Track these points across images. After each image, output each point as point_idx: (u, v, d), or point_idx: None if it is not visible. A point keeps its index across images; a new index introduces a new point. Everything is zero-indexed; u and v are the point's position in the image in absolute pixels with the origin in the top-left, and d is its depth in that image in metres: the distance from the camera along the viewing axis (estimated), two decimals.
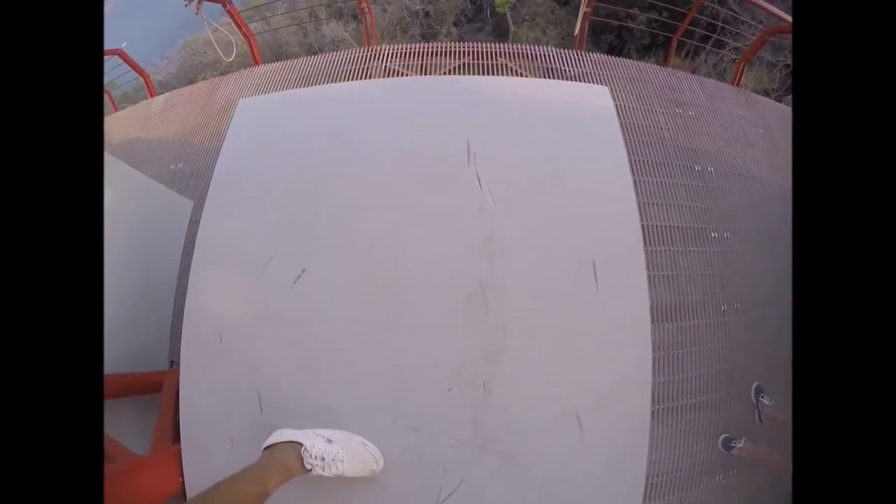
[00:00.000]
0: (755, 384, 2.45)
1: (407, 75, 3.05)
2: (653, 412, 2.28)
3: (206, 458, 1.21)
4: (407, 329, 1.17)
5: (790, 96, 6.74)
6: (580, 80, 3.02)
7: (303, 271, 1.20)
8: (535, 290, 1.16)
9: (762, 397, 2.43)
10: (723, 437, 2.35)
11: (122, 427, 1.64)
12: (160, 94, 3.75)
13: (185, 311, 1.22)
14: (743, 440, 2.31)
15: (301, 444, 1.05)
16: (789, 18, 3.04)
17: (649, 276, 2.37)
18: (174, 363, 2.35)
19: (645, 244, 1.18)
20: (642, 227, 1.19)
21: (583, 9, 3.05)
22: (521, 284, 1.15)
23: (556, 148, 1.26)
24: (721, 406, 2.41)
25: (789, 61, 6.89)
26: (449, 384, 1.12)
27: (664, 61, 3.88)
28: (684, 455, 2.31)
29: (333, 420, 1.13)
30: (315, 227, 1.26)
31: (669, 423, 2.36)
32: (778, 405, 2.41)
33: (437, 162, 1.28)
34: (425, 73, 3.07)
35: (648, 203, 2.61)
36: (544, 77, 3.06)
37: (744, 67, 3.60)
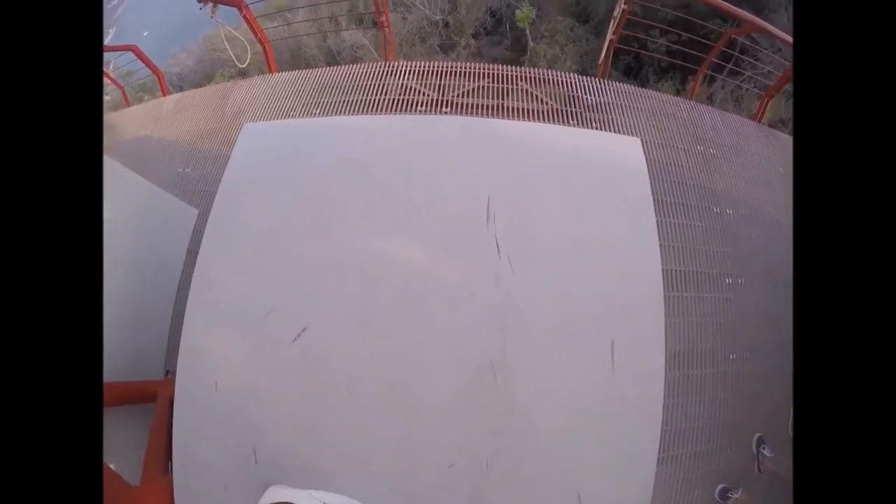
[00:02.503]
0: (757, 435, 2.40)
1: (424, 93, 3.00)
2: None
3: (198, 501, 1.16)
4: (412, 399, 1.11)
5: None
6: (601, 109, 2.97)
7: (303, 330, 1.14)
8: (548, 369, 1.10)
9: (763, 448, 2.37)
10: (720, 486, 2.31)
11: (113, 435, 1.58)
12: (177, 87, 3.73)
13: (180, 354, 1.17)
14: (740, 491, 2.26)
15: None
16: None
17: None
18: (169, 373, 2.31)
19: None
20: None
21: (609, 36, 2.98)
22: (534, 363, 1.09)
23: (582, 211, 1.19)
24: (721, 456, 2.35)
25: None
26: (451, 459, 1.06)
27: (689, 95, 3.80)
28: None
29: (329, 482, 1.07)
30: (318, 282, 1.19)
31: (668, 473, 2.31)
32: (778, 459, 2.37)
33: (455, 219, 1.20)
34: (442, 93, 3.02)
35: (665, 246, 2.48)
36: (564, 103, 3.00)
37: (767, 103, 3.52)
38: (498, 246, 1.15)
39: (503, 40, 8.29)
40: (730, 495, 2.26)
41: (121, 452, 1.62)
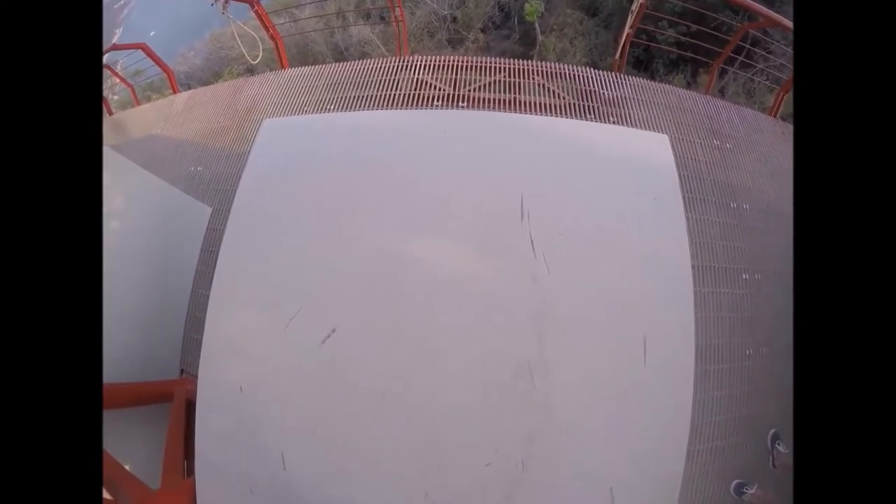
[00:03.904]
0: (772, 430, 2.40)
1: (438, 88, 2.98)
2: None
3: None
4: (446, 403, 1.10)
5: None
6: (617, 104, 2.94)
7: (333, 331, 1.11)
8: (584, 368, 1.09)
9: (778, 444, 2.38)
10: (735, 482, 2.31)
11: (129, 436, 1.57)
12: (185, 85, 3.71)
13: (202, 356, 1.15)
14: (755, 486, 2.28)
15: None
16: None
17: None
18: (184, 371, 2.31)
19: None
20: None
21: (626, 30, 2.94)
22: (570, 363, 1.08)
23: (612, 209, 1.17)
24: (737, 451, 2.35)
25: None
26: (487, 460, 1.05)
27: (704, 89, 3.74)
28: (697, 500, 2.26)
29: (361, 487, 1.07)
30: (345, 283, 1.17)
31: (686, 468, 2.30)
32: (792, 455, 2.38)
33: (488, 216, 1.17)
34: (456, 87, 2.99)
35: None
36: (580, 98, 2.97)
37: (783, 98, 3.47)
38: (533, 243, 1.12)
39: (512, 34, 8.21)
40: (745, 490, 2.27)
41: (137, 454, 1.61)
